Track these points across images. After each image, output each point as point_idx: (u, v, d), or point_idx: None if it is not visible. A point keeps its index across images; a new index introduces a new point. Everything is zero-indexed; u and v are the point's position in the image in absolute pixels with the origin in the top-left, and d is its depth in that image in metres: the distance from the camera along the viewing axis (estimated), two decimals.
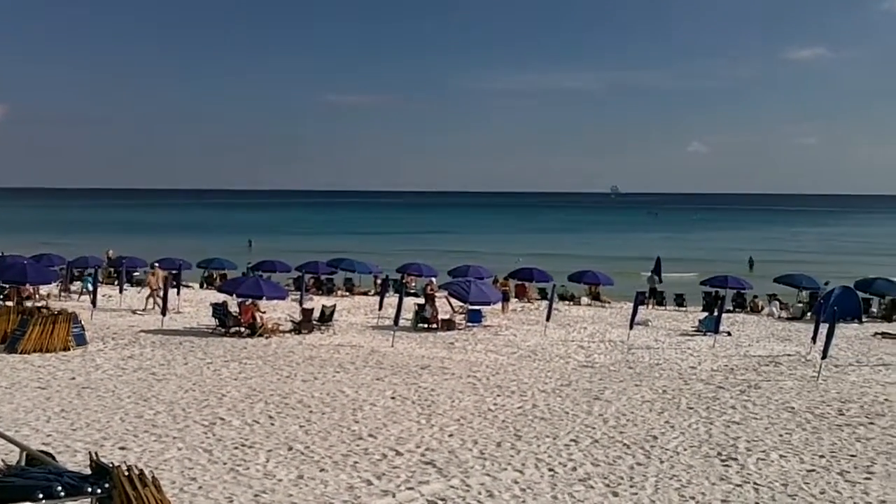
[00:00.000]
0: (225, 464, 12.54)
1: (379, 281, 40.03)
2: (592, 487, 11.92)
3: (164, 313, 27.10)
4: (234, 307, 26.72)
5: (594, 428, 15.27)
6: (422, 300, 31.03)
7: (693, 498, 11.58)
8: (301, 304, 30.27)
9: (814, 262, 60.76)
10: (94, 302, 29.20)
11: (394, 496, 11.33)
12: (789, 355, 24.46)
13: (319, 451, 13.35)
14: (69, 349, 21.72)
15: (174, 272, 35.61)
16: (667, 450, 13.92)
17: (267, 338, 25.15)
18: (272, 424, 14.95)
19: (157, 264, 35.81)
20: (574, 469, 12.75)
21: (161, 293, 29.26)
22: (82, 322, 23.25)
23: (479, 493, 11.53)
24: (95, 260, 41.66)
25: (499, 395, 17.86)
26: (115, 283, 37.46)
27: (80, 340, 22.38)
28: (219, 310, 26.65)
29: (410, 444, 13.83)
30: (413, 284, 40.42)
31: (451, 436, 14.47)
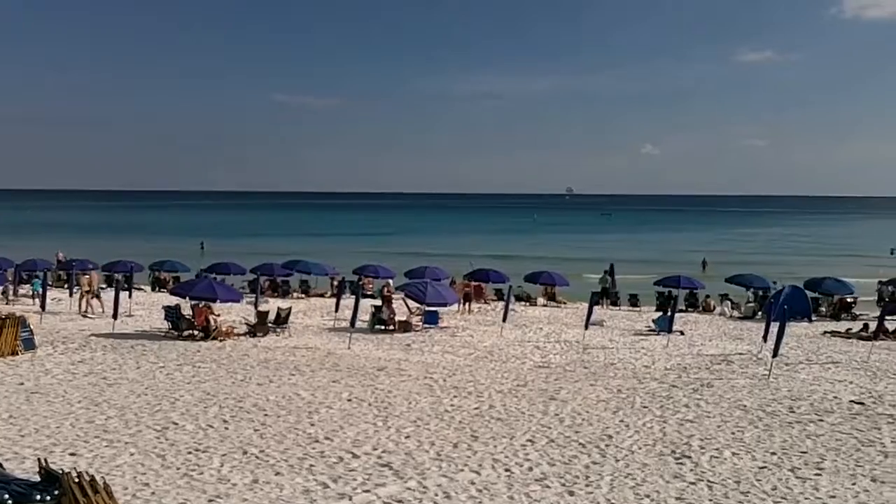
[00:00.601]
0: (178, 469, 12.38)
1: (335, 283, 39.88)
2: (549, 487, 11.98)
3: (115, 316, 26.70)
4: (187, 310, 26.41)
5: (550, 428, 15.35)
6: (378, 302, 30.98)
7: (648, 496, 11.69)
8: (256, 306, 30.01)
9: (764, 262, 61.77)
10: (42, 305, 28.69)
11: (350, 499, 11.28)
12: (741, 354, 24.81)
13: (275, 454, 13.24)
14: (17, 354, 21.25)
15: (126, 275, 35.14)
16: (622, 448, 14.04)
17: (221, 341, 24.90)
18: (226, 428, 14.79)
19: (91, 265, 35.47)
20: (530, 469, 12.80)
21: (93, 296, 29.04)
22: (31, 326, 22.78)
23: (436, 495, 11.52)
24: (44, 263, 40.94)
25: (455, 396, 17.87)
26: (66, 286, 36.85)
27: (29, 345, 21.92)
28: (172, 313, 26.32)
29: (367, 447, 13.78)
30: (370, 286, 40.34)
31: (407, 437, 14.45)
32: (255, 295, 33.29)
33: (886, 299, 37.51)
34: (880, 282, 41.46)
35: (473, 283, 39.02)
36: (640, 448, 14.10)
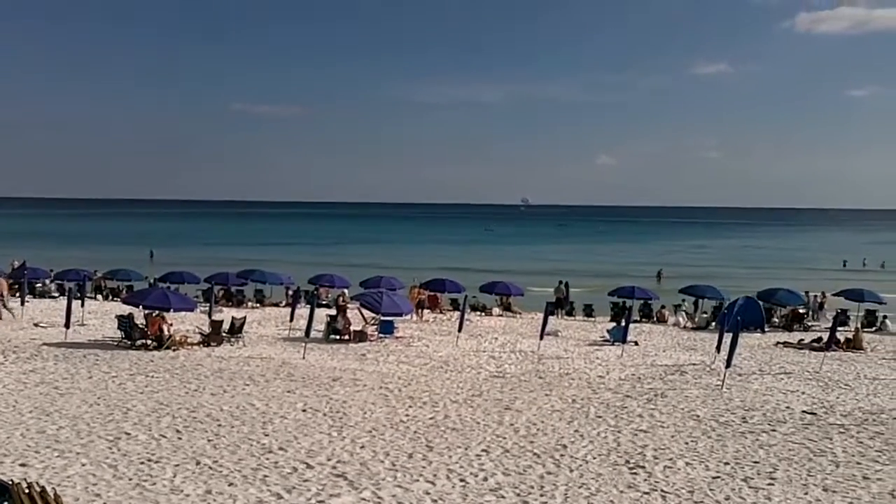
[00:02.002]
0: (130, 479, 12.20)
1: (290, 292, 39.65)
2: (503, 497, 11.99)
3: (67, 326, 26.27)
4: (140, 319, 26.06)
5: (505, 438, 15.38)
6: (334, 311, 30.83)
7: None
8: (210, 315, 29.72)
9: (718, 273, 62.62)
10: None
11: None
12: (694, 364, 25.08)
13: (228, 465, 13.10)
14: None
15: (79, 283, 34.62)
16: (576, 458, 14.11)
17: (174, 350, 24.61)
18: (179, 439, 14.61)
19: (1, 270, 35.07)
20: (485, 479, 12.81)
21: (5, 302, 28.80)
22: None
23: None
24: None
25: (411, 407, 17.84)
26: (17, 294, 36.16)
27: None
28: (124, 322, 25.96)
29: (321, 457, 13.70)
30: (326, 296, 40.18)
31: (362, 448, 14.39)
32: (209, 304, 32.99)
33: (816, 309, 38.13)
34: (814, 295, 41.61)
35: (429, 293, 39.15)
36: (594, 458, 14.18)
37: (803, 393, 20.80)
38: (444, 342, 28.46)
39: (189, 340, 25.85)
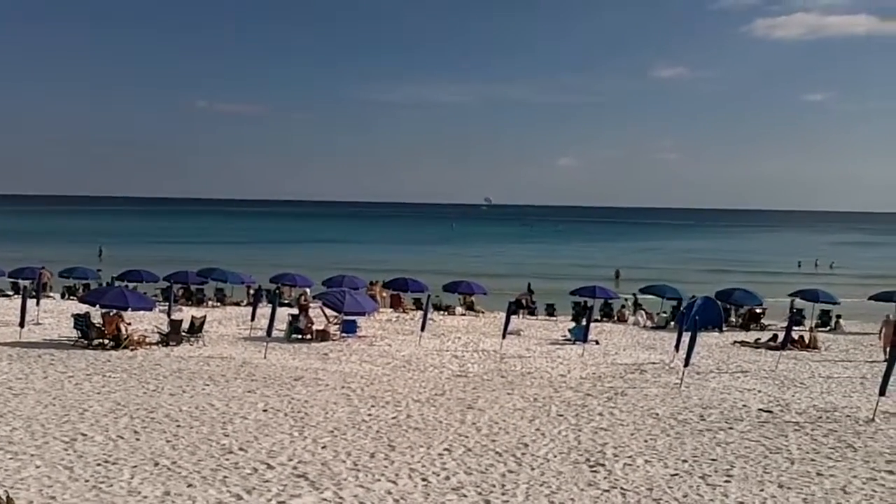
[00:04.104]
0: (87, 481, 12.05)
1: (252, 291, 39.38)
2: (465, 496, 12.02)
3: (21, 325, 25.85)
4: (97, 318, 25.72)
5: (467, 437, 15.41)
6: (296, 311, 30.68)
7: None
8: (169, 315, 29.42)
9: (675, 273, 63.30)
10: None
11: None
12: (654, 363, 25.33)
13: (187, 465, 12.98)
14: None
15: (34, 280, 34.10)
16: (537, 457, 14.18)
17: (132, 350, 24.32)
18: (137, 439, 14.45)
19: None
20: (447, 478, 12.83)
21: None
22: None
23: None
24: None
25: (373, 406, 17.81)
26: None
27: None
28: (81, 321, 25.60)
29: (282, 457, 13.63)
30: (290, 295, 39.95)
31: (324, 448, 14.34)
32: (168, 303, 32.65)
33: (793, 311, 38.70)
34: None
35: (391, 293, 39.15)
36: (555, 456, 14.26)
37: (760, 391, 21.09)
38: (406, 341, 28.44)
39: (147, 340, 25.57)
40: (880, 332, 28.15)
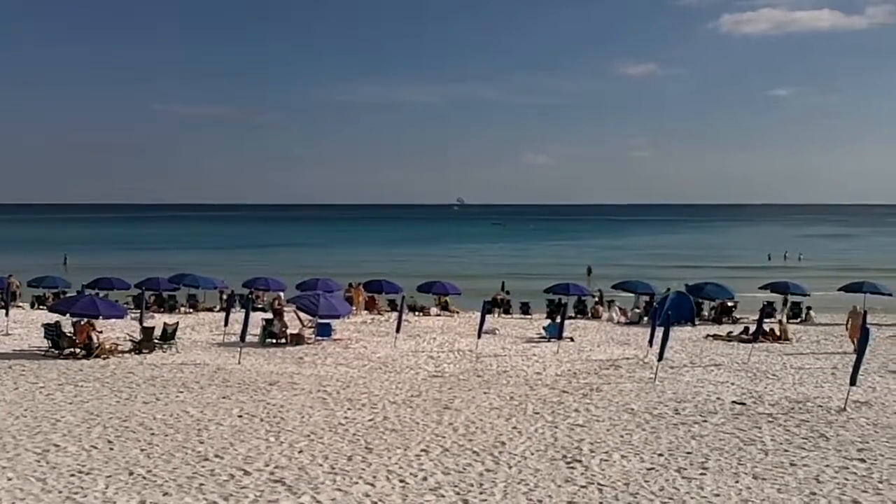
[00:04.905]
0: (60, 492, 11.92)
1: (224, 296, 39.13)
2: (443, 496, 12.02)
3: None
4: (68, 327, 25.45)
5: (444, 437, 15.42)
6: (269, 315, 30.53)
7: (541, 501, 11.87)
8: (141, 322, 29.16)
9: (646, 269, 63.69)
10: None
11: None
12: (628, 359, 25.47)
13: (163, 474, 12.88)
14: None
15: (2, 290, 33.66)
16: (515, 455, 14.21)
17: (105, 359, 24.08)
18: (111, 449, 14.31)
19: None
20: (425, 479, 12.83)
21: None
22: None
23: None
24: None
25: (349, 409, 17.76)
26: None
27: None
28: (51, 331, 25.31)
29: (259, 463, 13.56)
30: (263, 299, 39.75)
31: (300, 452, 14.28)
32: (140, 310, 32.35)
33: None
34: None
35: (367, 294, 39.10)
36: (532, 454, 14.31)
37: (733, 384, 21.28)
38: (382, 343, 28.40)
39: (120, 348, 25.33)
40: (847, 323, 28.47)
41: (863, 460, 14.11)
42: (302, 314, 29.42)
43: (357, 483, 12.58)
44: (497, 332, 31.64)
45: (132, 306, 35.57)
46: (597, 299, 39.77)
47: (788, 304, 37.97)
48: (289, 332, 28.34)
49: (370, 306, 38.65)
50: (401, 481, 12.70)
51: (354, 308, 36.89)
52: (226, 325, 29.67)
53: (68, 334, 25.06)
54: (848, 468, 13.65)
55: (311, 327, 29.26)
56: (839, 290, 39.40)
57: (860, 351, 18.72)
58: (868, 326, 21.01)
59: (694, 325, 34.16)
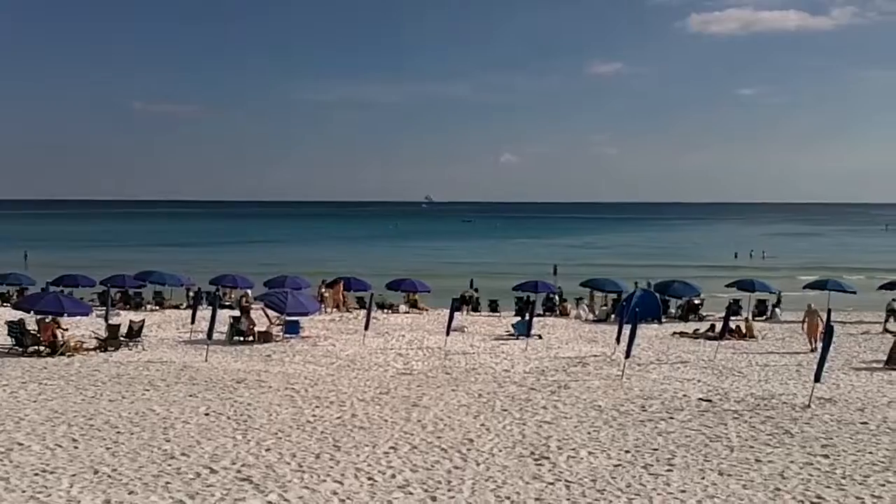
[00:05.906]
0: (24, 492, 11.76)
1: (191, 293, 38.84)
2: (411, 494, 12.01)
3: None
4: (32, 325, 25.11)
5: (413, 434, 15.40)
6: (237, 312, 30.34)
7: (508, 498, 11.89)
8: (107, 319, 28.87)
9: (612, 267, 64.02)
10: None
11: None
12: (596, 356, 25.61)
13: (128, 472, 12.75)
14: None
15: None
16: (483, 452, 14.23)
17: (69, 356, 23.80)
18: (76, 447, 14.15)
19: None
20: (393, 476, 12.80)
21: None
22: None
23: None
24: None
25: (317, 407, 17.69)
26: None
27: None
28: (14, 328, 24.97)
29: (226, 461, 13.46)
30: (232, 296, 39.50)
31: (268, 450, 14.20)
32: (105, 308, 32.05)
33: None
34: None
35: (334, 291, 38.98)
36: (500, 451, 14.33)
37: (699, 381, 21.46)
38: (350, 341, 28.32)
39: (85, 346, 25.06)
40: (803, 322, 28.65)
41: (826, 456, 14.28)
42: (270, 311, 29.27)
43: (325, 481, 12.53)
44: (465, 329, 31.67)
45: (97, 303, 35.21)
46: (557, 299, 39.77)
47: (778, 300, 38.23)
48: (256, 329, 28.18)
49: (337, 303, 38.54)
50: (369, 479, 12.67)
51: (329, 307, 36.83)
52: (193, 322, 29.44)
53: (32, 332, 24.74)
54: (812, 464, 13.81)
55: (278, 325, 29.12)
56: (804, 287, 39.90)
57: (825, 348, 18.93)
58: (832, 324, 21.31)
59: (661, 322, 34.41)
